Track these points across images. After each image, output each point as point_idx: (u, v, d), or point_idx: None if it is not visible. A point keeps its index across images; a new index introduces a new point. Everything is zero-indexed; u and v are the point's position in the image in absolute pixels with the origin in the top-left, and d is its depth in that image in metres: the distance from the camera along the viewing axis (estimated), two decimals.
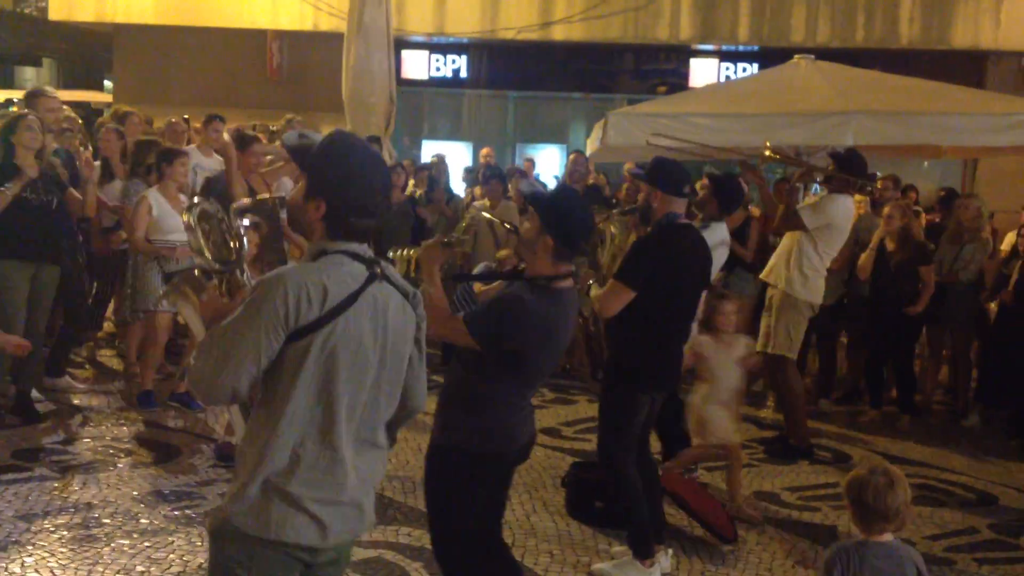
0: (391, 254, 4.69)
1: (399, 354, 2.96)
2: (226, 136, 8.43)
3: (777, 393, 7.82)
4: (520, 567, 4.39)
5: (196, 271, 3.59)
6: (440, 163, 11.75)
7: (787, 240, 7.38)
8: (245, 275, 3.54)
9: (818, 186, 7.98)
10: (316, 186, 2.88)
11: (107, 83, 20.29)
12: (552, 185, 13.55)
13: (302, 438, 2.79)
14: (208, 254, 3.55)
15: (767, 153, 7.55)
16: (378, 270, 2.88)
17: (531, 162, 15.85)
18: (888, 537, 3.49)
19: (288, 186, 8.47)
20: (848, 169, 7.25)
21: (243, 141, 8.06)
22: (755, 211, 9.64)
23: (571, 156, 10.78)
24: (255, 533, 2.79)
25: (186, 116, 10.37)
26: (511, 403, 3.93)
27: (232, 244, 3.58)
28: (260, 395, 2.84)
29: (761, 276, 7.68)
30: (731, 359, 6.23)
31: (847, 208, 7.32)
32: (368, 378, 2.87)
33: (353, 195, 2.86)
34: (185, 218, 3.67)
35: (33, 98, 7.92)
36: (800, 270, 7.20)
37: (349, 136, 3.08)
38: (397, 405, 3.04)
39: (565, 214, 3.91)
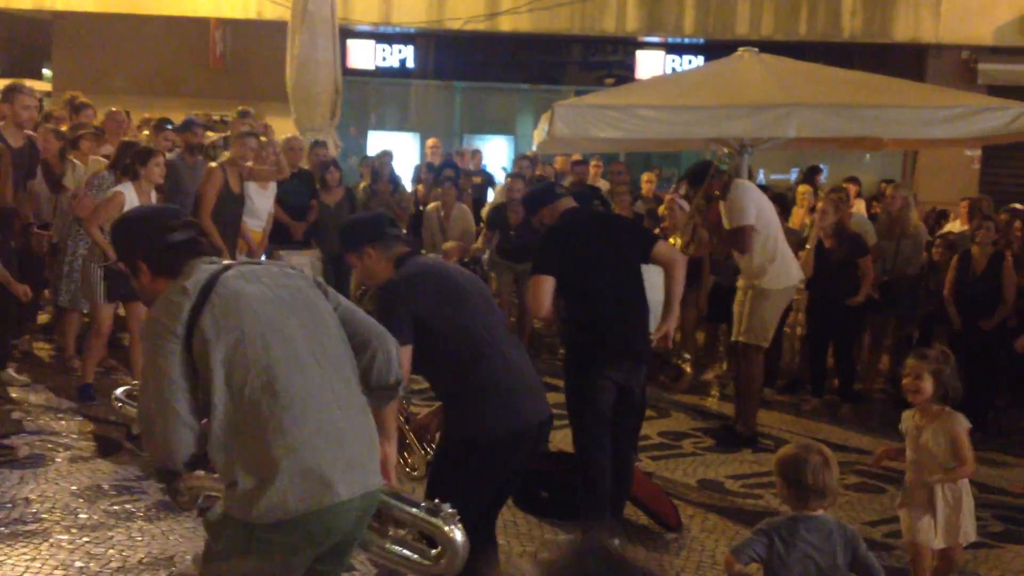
0: None
1: (307, 302, 3.03)
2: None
3: (737, 380, 7.90)
4: (497, 564, 4.35)
5: None
6: (385, 154, 11.65)
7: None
8: None
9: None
10: (128, 256, 3.08)
11: (46, 72, 19.86)
12: (501, 178, 13.50)
13: (252, 409, 2.79)
14: None
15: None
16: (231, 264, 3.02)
17: (479, 153, 15.81)
18: (820, 512, 3.56)
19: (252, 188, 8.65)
20: (699, 181, 7.47)
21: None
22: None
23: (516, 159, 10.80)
24: (259, 520, 2.78)
25: (126, 110, 10.22)
26: (470, 393, 3.96)
27: None
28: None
29: (738, 288, 7.74)
30: (925, 437, 4.74)
31: (748, 186, 7.54)
32: (290, 329, 2.91)
33: (155, 235, 3.02)
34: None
35: (10, 93, 7.83)
36: (762, 263, 7.29)
37: (123, 215, 3.49)
38: (358, 350, 3.11)
39: (346, 231, 4.21)
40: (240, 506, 2.79)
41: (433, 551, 3.21)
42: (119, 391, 3.94)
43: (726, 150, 7.94)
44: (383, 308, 3.94)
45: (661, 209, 9.19)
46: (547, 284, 5.06)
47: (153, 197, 7.54)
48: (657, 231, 7.85)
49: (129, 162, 7.52)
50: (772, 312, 7.46)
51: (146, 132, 9.33)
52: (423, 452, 4.47)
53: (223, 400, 2.78)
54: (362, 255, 4.08)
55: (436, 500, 3.26)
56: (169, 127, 9.33)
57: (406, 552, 3.29)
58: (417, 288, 3.95)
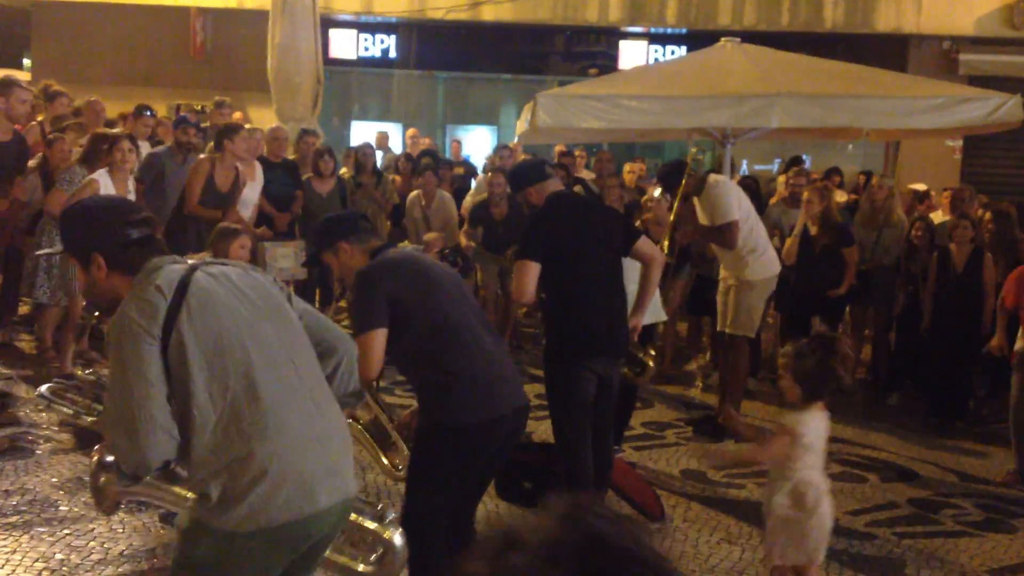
0: None
1: (276, 305, 2.95)
2: None
3: (723, 370, 7.91)
4: None
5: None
6: (367, 146, 11.54)
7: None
8: None
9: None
10: (81, 247, 2.90)
11: (25, 61, 19.70)
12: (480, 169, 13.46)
13: (234, 414, 2.71)
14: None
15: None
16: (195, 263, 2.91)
17: (458, 143, 15.83)
18: None
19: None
20: (675, 183, 7.36)
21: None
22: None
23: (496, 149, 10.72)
24: (239, 528, 2.70)
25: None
26: (442, 380, 3.97)
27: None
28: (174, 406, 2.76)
29: (720, 280, 7.72)
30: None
31: (726, 181, 7.51)
32: (264, 332, 2.84)
33: (117, 228, 2.87)
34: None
35: (5, 87, 7.71)
36: (745, 255, 7.27)
37: (78, 201, 3.25)
38: (322, 356, 3.06)
39: (319, 231, 4.31)
40: (218, 514, 2.70)
41: (373, 555, 3.18)
42: (43, 388, 3.72)
43: (694, 149, 7.86)
44: (359, 292, 4.00)
45: (645, 199, 9.13)
46: (532, 270, 5.00)
47: (131, 186, 7.46)
48: (639, 223, 7.79)
49: (104, 149, 7.48)
50: (758, 302, 7.46)
51: (120, 129, 9.23)
52: (406, 451, 4.48)
53: (202, 405, 2.69)
54: (337, 252, 4.14)
55: (380, 506, 3.26)
56: (148, 113, 9.25)
57: (343, 559, 3.24)
58: (393, 272, 4.02)
